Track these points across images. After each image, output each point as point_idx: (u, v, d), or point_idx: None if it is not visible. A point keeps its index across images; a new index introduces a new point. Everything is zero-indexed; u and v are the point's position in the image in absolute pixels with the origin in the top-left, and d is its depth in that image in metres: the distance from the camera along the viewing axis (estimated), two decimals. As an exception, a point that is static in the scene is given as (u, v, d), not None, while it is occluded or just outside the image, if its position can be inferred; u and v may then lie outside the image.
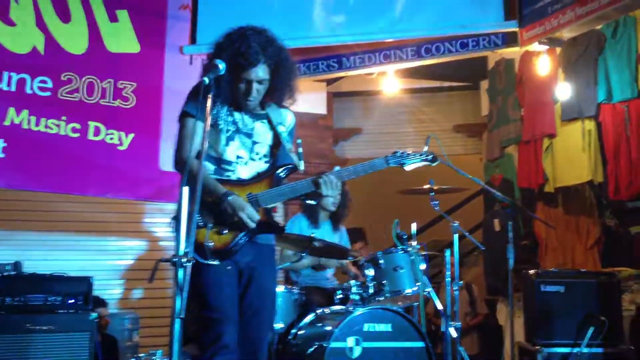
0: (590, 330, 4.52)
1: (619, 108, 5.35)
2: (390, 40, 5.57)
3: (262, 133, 2.89)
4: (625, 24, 5.31)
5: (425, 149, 4.24)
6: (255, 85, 2.76)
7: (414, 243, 4.26)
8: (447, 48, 5.39)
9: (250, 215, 2.66)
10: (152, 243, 6.36)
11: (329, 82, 7.35)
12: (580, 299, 4.71)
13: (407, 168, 3.02)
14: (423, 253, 4.30)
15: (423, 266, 4.13)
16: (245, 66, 2.69)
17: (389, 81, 6.65)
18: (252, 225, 2.66)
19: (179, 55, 5.60)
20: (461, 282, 6.56)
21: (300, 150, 2.98)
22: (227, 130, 2.81)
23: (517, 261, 6.19)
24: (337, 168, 2.87)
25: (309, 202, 2.89)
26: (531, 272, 4.94)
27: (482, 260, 7.32)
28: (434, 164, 3.08)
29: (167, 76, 5.63)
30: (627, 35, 5.29)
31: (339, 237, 4.80)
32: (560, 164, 5.93)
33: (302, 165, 2.93)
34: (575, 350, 4.53)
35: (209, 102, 2.52)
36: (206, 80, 2.54)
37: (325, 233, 4.64)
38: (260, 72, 2.75)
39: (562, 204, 6.12)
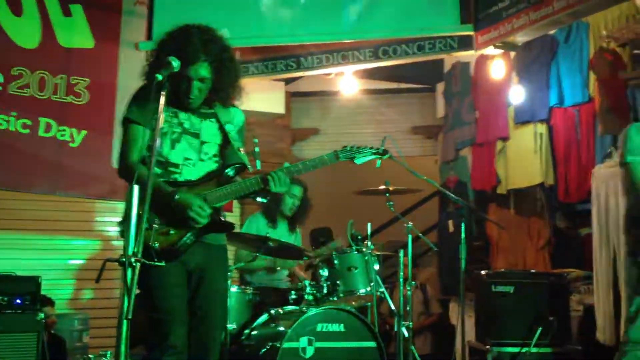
0: (539, 330, 4.61)
1: (570, 112, 5.47)
2: (348, 41, 5.59)
3: (211, 133, 2.85)
4: (578, 29, 5.42)
5: (385, 149, 4.30)
6: (196, 84, 2.71)
7: (369, 243, 4.29)
8: (404, 50, 5.43)
9: (198, 211, 2.62)
10: (104, 242, 6.25)
11: (288, 81, 7.34)
12: (530, 299, 4.79)
13: (358, 162, 3.01)
14: (377, 253, 4.34)
15: (377, 266, 4.16)
16: (186, 63, 2.62)
17: (347, 82, 6.68)
18: (203, 220, 2.64)
19: (134, 52, 5.51)
20: (415, 282, 6.65)
21: (257, 149, 2.95)
22: (173, 133, 2.75)
23: (469, 262, 6.29)
24: (286, 164, 2.85)
25: (259, 199, 2.85)
26: (483, 272, 5.01)
27: (437, 260, 7.41)
28: (385, 157, 3.08)
29: (121, 73, 5.54)
30: (580, 41, 5.40)
31: (295, 239, 4.80)
32: (512, 166, 6.03)
33: (258, 165, 2.90)
34: (524, 350, 4.61)
35: (162, 100, 2.48)
36: (159, 76, 2.49)
37: (281, 233, 4.64)
38: (201, 70, 2.69)
39: (514, 205, 6.23)
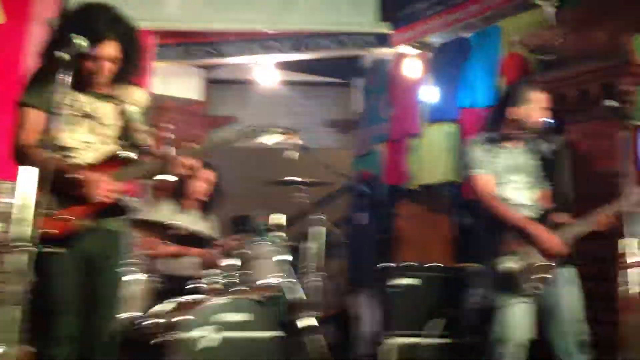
0: (439, 322, 4.78)
1: (480, 114, 5.67)
2: (269, 31, 5.58)
3: (111, 114, 2.77)
4: (490, 34, 5.61)
5: (298, 141, 4.32)
6: (105, 64, 2.63)
7: (280, 234, 4.31)
8: (325, 44, 5.48)
9: (103, 187, 2.56)
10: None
11: (208, 68, 7.25)
12: (431, 291, 4.95)
13: (264, 141, 3.01)
14: (288, 244, 4.36)
15: (286, 257, 4.18)
16: (94, 42, 2.54)
17: (267, 72, 6.65)
18: (106, 198, 2.57)
19: (46, 29, 5.29)
20: (323, 273, 6.72)
21: (171, 134, 2.91)
22: (72, 116, 2.66)
23: (377, 255, 6.45)
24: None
25: (161, 177, 2.78)
26: (388, 265, 5.14)
27: (346, 252, 7.52)
28: (294, 136, 3.09)
29: (32, 50, 5.30)
30: (492, 44, 5.59)
31: (208, 226, 4.75)
32: (424, 163, 6.19)
33: (173, 151, 2.84)
34: (424, 341, 4.77)
35: (65, 81, 2.39)
36: (66, 56, 2.41)
37: (192, 220, 4.58)
38: (111, 49, 2.63)
39: (423, 201, 6.40)
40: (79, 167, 2.63)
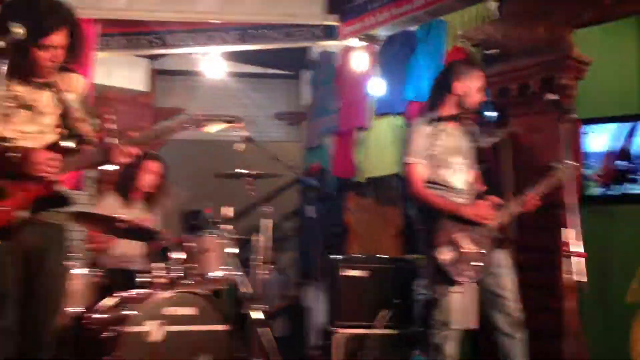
0: (386, 313, 4.83)
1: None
2: (215, 21, 5.51)
3: (50, 103, 2.69)
4: (437, 27, 5.67)
5: (245, 133, 4.28)
6: (48, 52, 2.55)
7: (228, 226, 4.28)
8: (271, 35, 5.44)
9: (47, 162, 2.48)
10: None
11: (153, 59, 7.12)
12: (379, 283, 5.00)
13: (209, 129, 2.97)
14: (235, 237, 4.33)
15: (233, 250, 4.16)
16: (47, 31, 2.48)
17: (214, 63, 6.58)
18: (52, 174, 2.50)
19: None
20: (272, 265, 6.72)
21: (114, 125, 2.84)
22: (7, 107, 2.56)
23: (327, 247, 6.47)
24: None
25: (103, 168, 2.72)
26: (335, 257, 5.17)
27: (296, 245, 7.53)
28: (238, 125, 3.06)
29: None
30: (438, 38, 5.66)
31: (153, 219, 4.68)
32: (371, 155, 6.25)
33: (116, 141, 2.77)
34: (373, 331, 4.82)
35: (3, 68, 2.32)
36: (2, 43, 2.33)
37: (137, 214, 4.50)
38: (62, 37, 2.56)
39: (372, 193, 6.45)
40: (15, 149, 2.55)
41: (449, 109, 3.50)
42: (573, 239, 3.08)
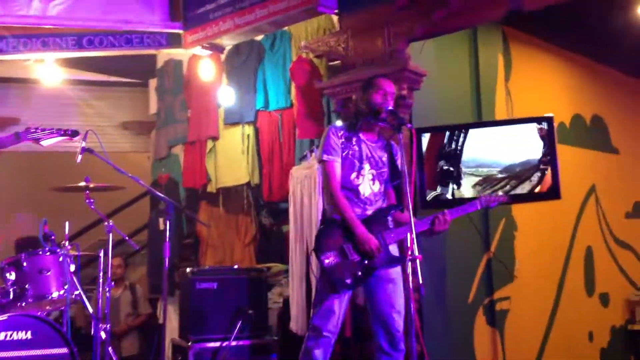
0: (239, 324, 4.80)
1: (274, 116, 5.79)
2: (49, 27, 5.20)
3: None
4: (281, 38, 5.75)
5: (83, 143, 4.07)
6: None
7: (66, 243, 4.05)
8: (110, 42, 5.22)
9: None
10: None
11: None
12: (232, 294, 4.96)
13: (45, 144, 2.79)
14: (74, 254, 4.11)
15: (72, 268, 3.93)
16: None
17: (49, 70, 6.20)
18: None
19: None
20: (122, 281, 6.47)
21: None
22: None
23: (179, 260, 6.33)
24: None
25: None
26: (187, 270, 5.06)
27: (147, 258, 7.29)
28: (75, 138, 2.91)
29: None
30: (283, 49, 5.74)
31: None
32: (221, 165, 6.18)
33: None
34: (225, 343, 4.76)
35: None
36: None
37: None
38: None
39: (223, 203, 6.39)
40: None
41: (362, 118, 3.52)
42: (413, 243, 3.17)
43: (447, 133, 4.30)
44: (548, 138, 4.18)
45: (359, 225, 3.38)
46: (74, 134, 2.91)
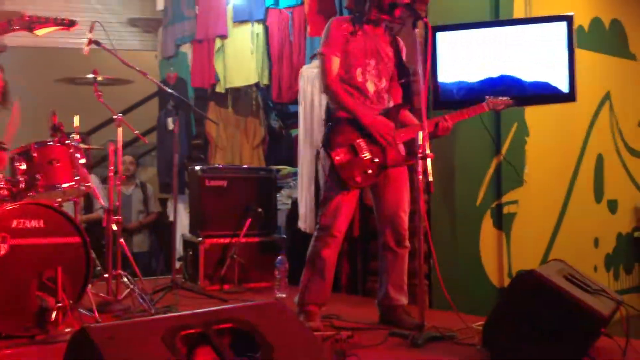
0: (248, 221, 4.86)
1: (285, 13, 5.63)
2: None
3: None
4: None
5: (89, 35, 3.99)
6: None
7: (75, 135, 4.02)
8: None
9: None
10: None
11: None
12: (242, 192, 5.02)
13: (39, 33, 2.71)
14: (85, 147, 4.10)
15: (83, 160, 3.92)
16: None
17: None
18: None
19: None
20: (132, 179, 6.53)
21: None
22: None
23: (188, 159, 6.34)
24: None
25: None
26: (197, 168, 5.08)
27: (158, 158, 7.31)
28: (72, 27, 2.82)
29: None
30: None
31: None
32: (230, 65, 6.05)
33: None
34: (235, 240, 4.84)
35: None
36: None
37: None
38: None
39: (232, 104, 6.33)
40: None
41: (371, 11, 3.37)
42: (426, 141, 3.12)
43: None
44: (567, 38, 4.06)
45: (366, 114, 3.30)
46: (72, 23, 2.79)
